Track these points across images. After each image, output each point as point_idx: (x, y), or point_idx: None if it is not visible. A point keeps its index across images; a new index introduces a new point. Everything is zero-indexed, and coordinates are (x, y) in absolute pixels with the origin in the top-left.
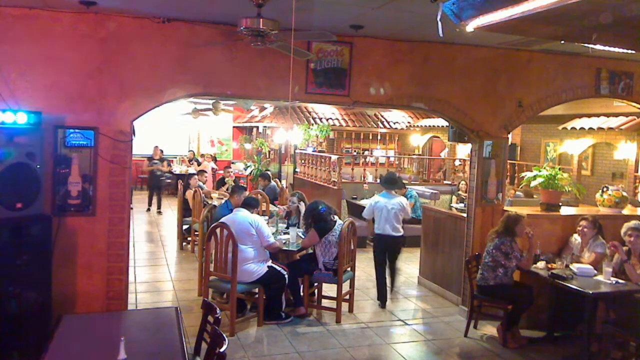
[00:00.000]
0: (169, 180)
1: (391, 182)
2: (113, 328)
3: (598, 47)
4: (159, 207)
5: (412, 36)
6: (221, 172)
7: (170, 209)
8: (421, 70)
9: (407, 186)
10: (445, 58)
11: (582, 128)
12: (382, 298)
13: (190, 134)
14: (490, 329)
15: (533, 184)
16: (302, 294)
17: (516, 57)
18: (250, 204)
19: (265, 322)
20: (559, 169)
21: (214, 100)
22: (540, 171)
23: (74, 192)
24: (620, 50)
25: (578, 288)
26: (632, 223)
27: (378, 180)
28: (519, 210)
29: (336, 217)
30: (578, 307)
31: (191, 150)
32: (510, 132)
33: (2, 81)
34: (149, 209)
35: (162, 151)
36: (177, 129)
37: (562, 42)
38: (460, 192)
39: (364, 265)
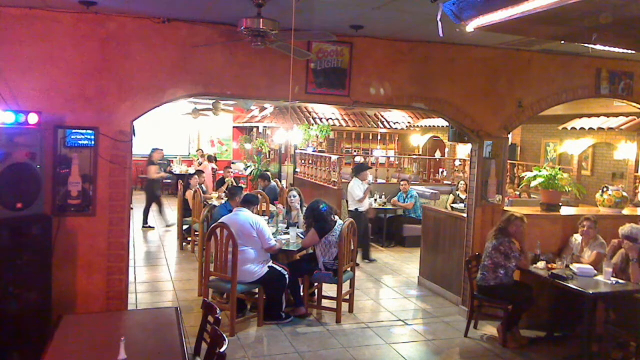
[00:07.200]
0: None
1: (354, 171)
2: (113, 328)
3: (598, 47)
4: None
5: (412, 36)
6: (221, 172)
7: (170, 209)
8: (421, 70)
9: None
10: (445, 58)
11: (582, 128)
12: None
13: (190, 134)
14: (490, 329)
15: (533, 184)
16: (302, 294)
17: (516, 57)
18: (249, 201)
19: (265, 322)
20: (559, 169)
21: (214, 100)
22: (540, 171)
23: (74, 192)
24: (620, 50)
25: (578, 288)
26: (622, 227)
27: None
28: (519, 210)
29: (336, 217)
30: (578, 307)
31: (200, 149)
32: (510, 132)
33: (2, 81)
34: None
35: None
36: (177, 129)
37: (562, 42)
38: (458, 192)
39: (364, 264)
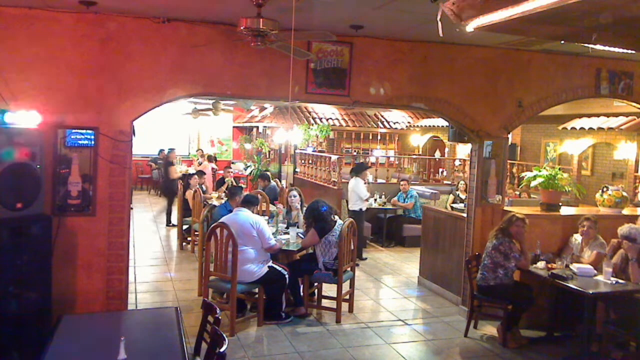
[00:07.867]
0: None
1: (355, 171)
2: (113, 328)
3: (598, 47)
4: None
5: (412, 36)
6: (221, 172)
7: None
8: (421, 70)
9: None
10: (445, 58)
11: (582, 128)
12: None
13: (190, 134)
14: (490, 329)
15: (533, 184)
16: (302, 294)
17: (516, 57)
18: (250, 201)
19: (265, 322)
20: (559, 169)
21: (214, 100)
22: (540, 171)
23: (74, 192)
24: (620, 50)
25: (578, 288)
26: (620, 228)
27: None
28: (519, 210)
29: (336, 217)
30: (578, 307)
31: (200, 149)
32: (510, 132)
33: (2, 81)
34: None
35: None
36: (177, 129)
37: (562, 42)
38: (458, 192)
39: (364, 265)
